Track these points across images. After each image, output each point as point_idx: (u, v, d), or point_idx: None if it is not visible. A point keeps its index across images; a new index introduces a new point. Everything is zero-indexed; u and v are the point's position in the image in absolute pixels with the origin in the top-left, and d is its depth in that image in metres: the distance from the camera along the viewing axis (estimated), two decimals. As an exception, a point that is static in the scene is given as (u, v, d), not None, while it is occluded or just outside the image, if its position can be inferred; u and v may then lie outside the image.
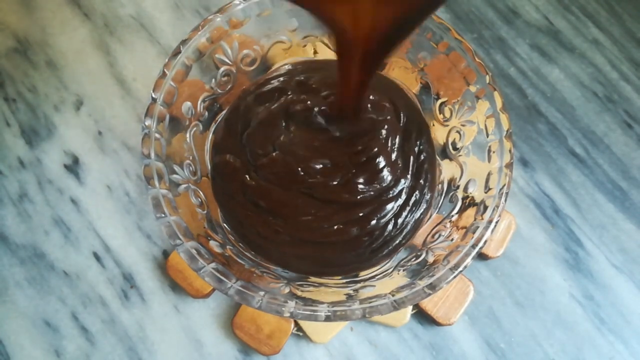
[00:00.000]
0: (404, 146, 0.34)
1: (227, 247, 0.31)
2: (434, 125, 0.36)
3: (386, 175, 0.33)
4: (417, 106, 0.36)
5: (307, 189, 0.32)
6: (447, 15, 0.45)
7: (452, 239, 0.30)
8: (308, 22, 0.35)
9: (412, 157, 0.34)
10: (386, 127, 0.34)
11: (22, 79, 0.43)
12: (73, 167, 0.41)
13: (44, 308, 0.37)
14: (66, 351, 0.36)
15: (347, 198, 0.32)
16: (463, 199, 0.32)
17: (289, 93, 0.35)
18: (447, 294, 0.36)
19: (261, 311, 0.27)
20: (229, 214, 0.33)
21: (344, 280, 0.32)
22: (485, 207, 0.30)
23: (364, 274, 0.33)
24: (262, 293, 0.27)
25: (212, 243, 0.30)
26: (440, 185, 0.35)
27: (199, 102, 0.34)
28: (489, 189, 0.30)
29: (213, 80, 0.35)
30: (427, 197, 0.34)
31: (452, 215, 0.32)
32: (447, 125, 0.35)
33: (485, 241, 0.28)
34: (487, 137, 0.31)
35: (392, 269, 0.31)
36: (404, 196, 0.33)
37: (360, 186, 0.32)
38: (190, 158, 0.33)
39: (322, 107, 0.34)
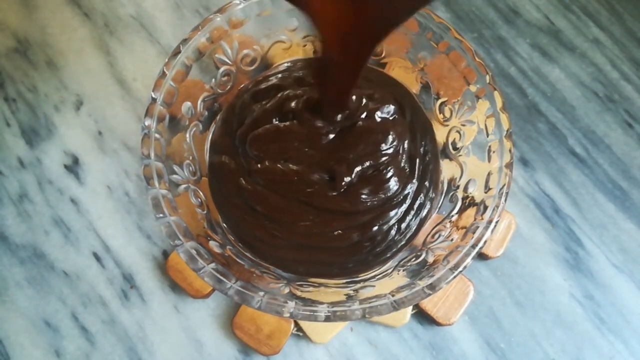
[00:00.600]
0: (411, 149, 0.34)
1: (227, 247, 0.31)
2: (433, 125, 0.36)
3: (393, 184, 0.32)
4: (419, 104, 0.36)
5: (305, 198, 0.32)
6: (447, 14, 0.45)
7: (452, 239, 0.30)
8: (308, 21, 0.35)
9: (417, 160, 0.34)
10: (395, 130, 0.33)
11: (22, 79, 0.43)
12: (73, 167, 0.41)
13: (44, 308, 0.37)
14: (66, 351, 0.36)
15: (348, 207, 0.31)
16: (463, 199, 0.32)
17: (286, 90, 0.34)
18: (447, 294, 0.36)
19: (261, 311, 0.27)
20: (226, 215, 0.33)
21: (344, 281, 0.32)
22: (485, 207, 0.30)
23: (363, 274, 0.33)
24: (261, 293, 0.27)
25: (211, 243, 0.30)
26: (440, 185, 0.35)
27: (199, 102, 0.34)
28: (489, 188, 0.30)
29: (213, 80, 0.34)
30: (431, 198, 0.34)
31: (452, 215, 0.32)
32: (447, 125, 0.35)
33: (485, 241, 0.28)
34: (487, 136, 0.31)
35: (392, 269, 0.31)
36: (408, 201, 0.33)
37: (364, 196, 0.31)
38: (190, 158, 0.33)
39: (316, 107, 0.33)
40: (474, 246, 0.28)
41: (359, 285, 0.30)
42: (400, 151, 0.33)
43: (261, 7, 0.33)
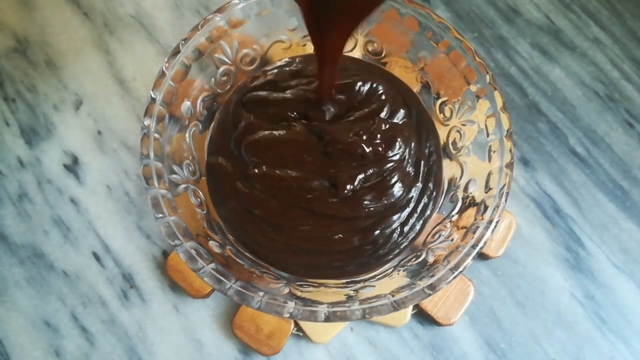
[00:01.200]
0: (417, 152, 0.33)
1: (227, 247, 0.31)
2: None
3: (397, 190, 0.32)
4: (423, 104, 0.36)
5: (305, 204, 0.31)
6: (447, 14, 0.45)
7: (452, 239, 0.30)
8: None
9: (422, 162, 0.33)
10: (403, 135, 0.33)
11: (21, 78, 0.43)
12: (73, 167, 0.40)
13: (43, 308, 0.37)
14: (66, 351, 0.36)
15: (349, 213, 0.31)
16: (463, 198, 0.32)
17: (280, 85, 0.34)
18: (448, 294, 0.36)
19: (261, 311, 0.27)
20: (224, 217, 0.33)
21: (344, 281, 0.32)
22: (486, 207, 0.29)
23: (364, 275, 0.32)
24: (261, 293, 0.27)
25: (211, 243, 0.30)
26: (442, 185, 0.35)
27: (199, 101, 0.34)
28: (490, 188, 0.30)
29: (212, 79, 0.34)
30: (434, 198, 0.33)
31: (453, 215, 0.32)
32: (448, 125, 0.35)
33: (486, 241, 0.28)
34: (488, 136, 0.31)
35: (392, 269, 0.31)
36: (412, 204, 0.33)
37: (366, 202, 0.31)
38: (190, 158, 0.33)
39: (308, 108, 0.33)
40: (474, 246, 0.28)
41: (359, 286, 0.30)
42: (407, 156, 0.33)
43: (261, 7, 0.33)
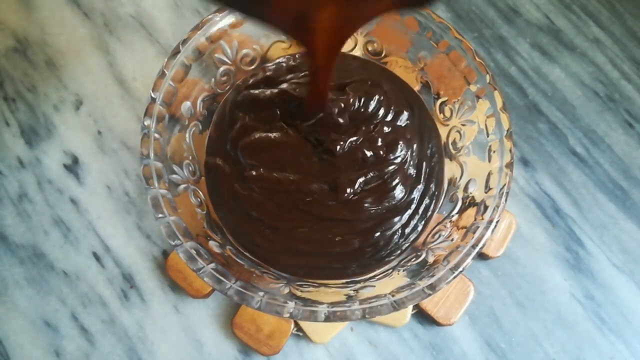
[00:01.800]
0: (419, 153, 0.33)
1: (227, 247, 0.31)
2: (434, 124, 0.36)
3: (399, 192, 0.32)
4: (424, 103, 0.36)
5: (304, 206, 0.31)
6: (447, 14, 0.45)
7: (452, 239, 0.30)
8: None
9: (425, 163, 0.33)
10: (405, 138, 0.32)
11: (21, 78, 0.43)
12: (73, 167, 0.40)
13: (43, 308, 0.37)
14: (66, 351, 0.36)
15: (349, 216, 0.31)
16: (463, 198, 0.32)
17: (278, 80, 0.34)
18: (448, 294, 0.36)
19: (261, 311, 0.27)
20: (223, 217, 0.33)
21: (344, 281, 0.32)
22: (486, 207, 0.29)
23: (364, 276, 0.32)
24: (261, 293, 0.27)
25: (211, 243, 0.30)
26: (443, 185, 0.35)
27: (199, 101, 0.34)
28: (490, 188, 0.30)
29: (212, 79, 0.34)
30: (436, 198, 0.33)
31: (453, 215, 0.32)
32: (448, 125, 0.35)
33: (486, 241, 0.28)
34: (488, 136, 0.31)
35: (392, 269, 0.31)
36: (414, 206, 0.32)
37: (367, 205, 0.31)
38: (190, 158, 0.33)
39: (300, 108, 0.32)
40: (474, 246, 0.28)
41: (359, 286, 0.30)
42: (409, 158, 0.33)
43: (261, 7, 0.33)
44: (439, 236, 0.31)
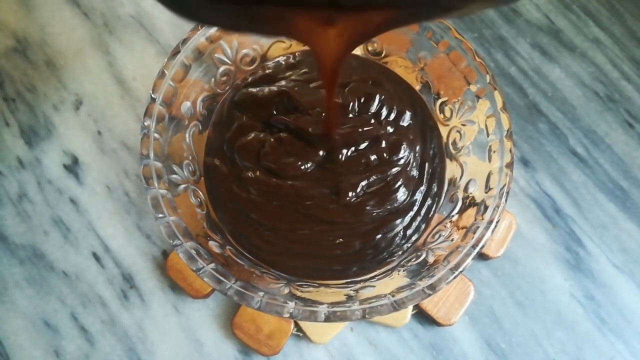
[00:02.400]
0: (422, 154, 0.33)
1: (227, 247, 0.31)
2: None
3: (401, 195, 0.32)
4: (425, 103, 0.36)
5: (304, 209, 0.31)
6: (447, 14, 0.45)
7: (452, 239, 0.30)
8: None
9: (427, 164, 0.33)
10: (408, 139, 0.32)
11: (21, 78, 0.43)
12: (72, 167, 0.40)
13: (43, 308, 0.37)
14: (66, 351, 0.36)
15: (350, 219, 0.31)
16: (463, 198, 0.32)
17: (277, 77, 0.33)
18: (448, 294, 0.36)
19: (261, 312, 0.27)
20: (222, 218, 0.33)
21: (344, 281, 0.32)
22: (486, 207, 0.29)
23: (364, 276, 0.32)
24: (261, 294, 0.27)
25: (211, 243, 0.30)
26: (444, 184, 0.34)
27: (199, 101, 0.34)
28: (490, 188, 0.30)
29: (212, 79, 0.34)
30: (437, 198, 0.33)
31: (453, 215, 0.32)
32: (448, 125, 0.35)
33: (486, 241, 0.28)
34: (488, 136, 0.31)
35: (392, 270, 0.31)
36: (416, 207, 0.32)
37: (369, 208, 0.31)
38: (190, 158, 0.33)
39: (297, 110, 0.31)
40: (474, 246, 0.28)
41: (359, 286, 0.30)
42: (412, 160, 0.32)
43: (261, 7, 0.33)
44: (439, 236, 0.31)
